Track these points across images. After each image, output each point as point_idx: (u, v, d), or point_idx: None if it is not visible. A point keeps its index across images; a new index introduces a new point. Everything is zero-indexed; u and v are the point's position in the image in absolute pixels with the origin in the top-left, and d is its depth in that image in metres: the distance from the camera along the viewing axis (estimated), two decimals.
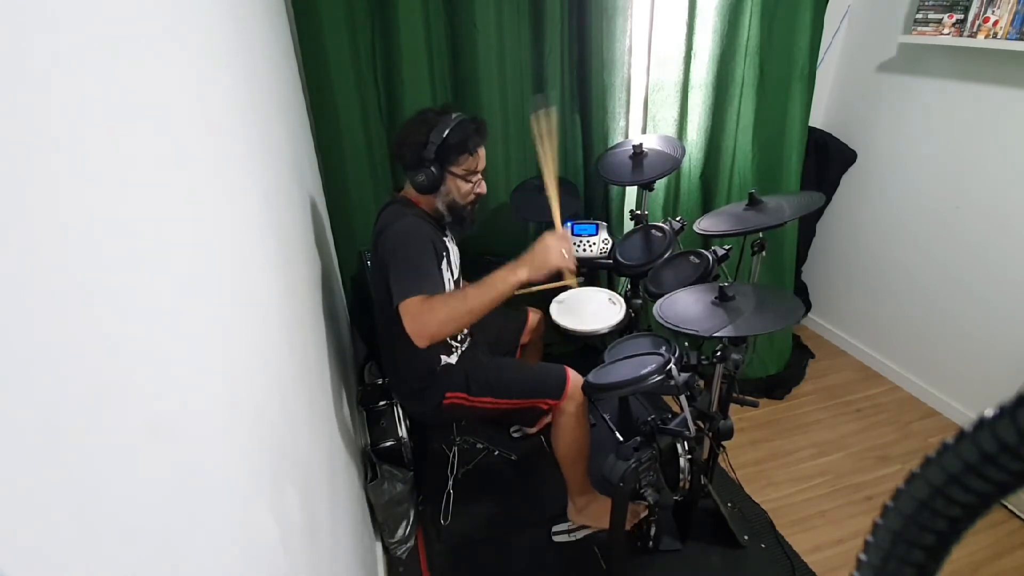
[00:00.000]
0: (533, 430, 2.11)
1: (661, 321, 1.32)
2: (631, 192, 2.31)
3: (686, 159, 2.14)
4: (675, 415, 1.43)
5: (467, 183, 1.44)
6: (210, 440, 0.54)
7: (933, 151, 2.17)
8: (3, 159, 0.30)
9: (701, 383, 1.58)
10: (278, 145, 1.21)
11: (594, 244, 2.04)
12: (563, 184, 2.09)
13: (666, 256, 1.74)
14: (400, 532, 1.67)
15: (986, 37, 1.83)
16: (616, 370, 1.45)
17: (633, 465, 1.32)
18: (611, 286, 2.38)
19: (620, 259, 1.88)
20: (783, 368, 2.47)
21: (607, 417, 1.91)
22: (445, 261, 1.42)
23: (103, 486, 0.35)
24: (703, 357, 1.44)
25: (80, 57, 0.41)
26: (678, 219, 1.83)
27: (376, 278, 1.47)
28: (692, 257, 1.67)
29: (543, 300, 1.76)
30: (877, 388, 2.44)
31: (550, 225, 2.16)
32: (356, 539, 1.34)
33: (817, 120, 2.52)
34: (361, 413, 1.85)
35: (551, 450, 1.65)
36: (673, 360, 1.33)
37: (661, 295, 1.45)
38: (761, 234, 1.55)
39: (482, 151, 1.44)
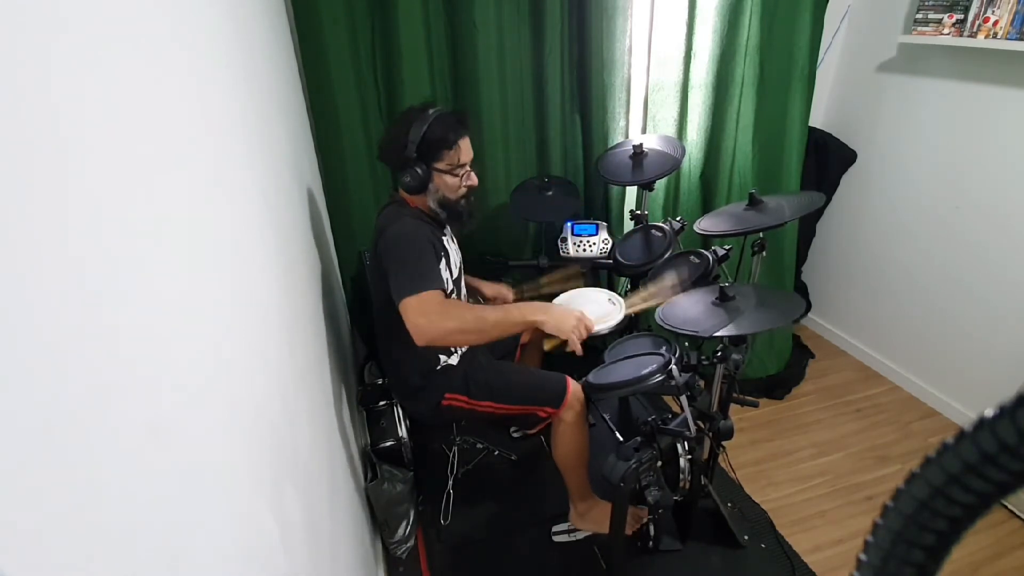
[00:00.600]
0: (533, 431, 2.11)
1: (661, 322, 1.32)
2: (631, 192, 2.31)
3: (686, 159, 2.14)
4: (675, 415, 1.43)
5: (454, 177, 1.42)
6: (210, 440, 0.54)
7: (933, 151, 2.17)
8: (5, 159, 0.30)
9: (701, 383, 1.58)
10: (278, 145, 1.20)
11: (594, 244, 2.04)
12: (563, 184, 2.09)
13: (666, 256, 1.74)
14: (400, 532, 1.67)
15: (986, 37, 1.83)
16: (616, 370, 1.45)
17: (633, 465, 1.32)
18: (611, 286, 2.38)
19: (620, 259, 1.88)
20: (783, 368, 2.47)
21: (607, 417, 1.91)
22: (444, 262, 1.42)
23: (103, 486, 0.35)
24: (703, 357, 1.44)
25: (81, 57, 0.41)
26: (678, 219, 1.83)
27: (376, 279, 1.47)
28: (692, 257, 1.67)
29: (543, 300, 1.76)
30: (877, 388, 2.44)
31: (551, 225, 2.18)
32: (356, 539, 1.34)
33: (817, 120, 2.52)
34: (361, 413, 1.85)
35: (551, 452, 1.65)
36: (673, 360, 1.33)
37: None
38: (761, 234, 1.55)
39: (465, 143, 1.41)
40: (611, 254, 1.95)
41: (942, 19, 1.96)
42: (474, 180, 1.47)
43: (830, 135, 2.48)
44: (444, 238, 1.50)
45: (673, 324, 1.31)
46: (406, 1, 1.73)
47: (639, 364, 1.41)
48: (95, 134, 0.41)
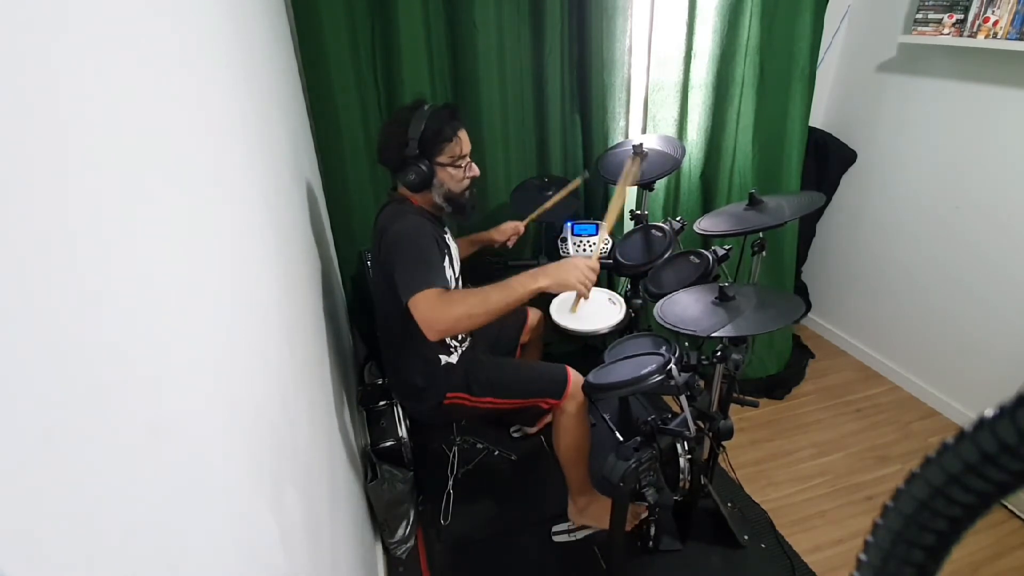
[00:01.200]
0: (533, 430, 2.11)
1: (662, 322, 1.32)
2: (631, 192, 2.31)
3: (686, 159, 2.14)
4: (675, 415, 1.43)
5: (457, 169, 1.43)
6: (210, 440, 0.54)
7: (933, 151, 2.17)
8: (5, 160, 0.30)
9: (701, 383, 1.58)
10: (278, 145, 1.20)
11: (594, 244, 2.04)
12: (563, 184, 2.09)
13: (666, 256, 1.74)
14: (400, 532, 1.67)
15: (986, 37, 1.83)
16: (616, 370, 1.45)
17: (633, 465, 1.32)
18: (611, 286, 2.38)
19: (620, 259, 1.88)
20: (783, 368, 2.47)
21: (607, 417, 1.91)
22: (447, 259, 1.42)
23: (103, 486, 0.35)
24: (703, 357, 1.44)
25: (80, 57, 0.41)
26: (678, 219, 1.83)
27: (378, 278, 1.46)
28: (692, 257, 1.67)
29: (543, 300, 1.76)
30: (877, 388, 2.44)
31: (551, 225, 2.18)
32: (356, 539, 1.35)
33: (817, 120, 2.52)
34: (361, 413, 1.85)
35: (551, 450, 1.65)
36: (673, 360, 1.33)
37: (661, 295, 1.45)
38: (761, 234, 1.55)
39: (463, 134, 1.42)
40: (611, 254, 1.95)
41: (942, 19, 1.96)
42: (476, 171, 1.48)
43: (830, 135, 2.48)
44: (446, 236, 1.51)
45: (673, 324, 1.31)
46: (406, 1, 1.73)
47: (639, 364, 1.41)
48: (95, 134, 0.41)
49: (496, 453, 2.04)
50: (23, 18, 0.34)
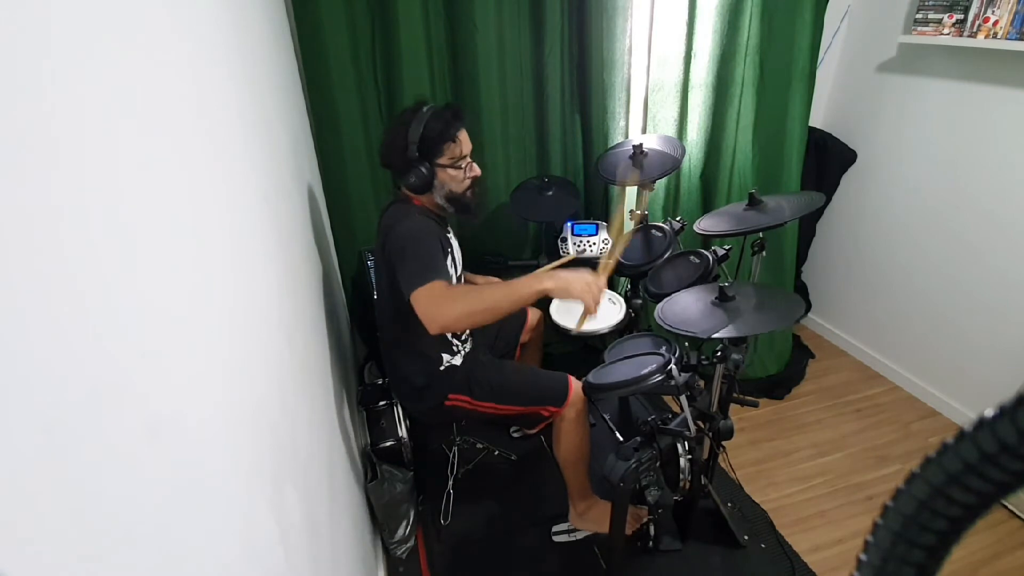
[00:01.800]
0: (533, 430, 2.11)
1: (662, 323, 1.32)
2: (631, 192, 2.31)
3: (686, 159, 2.14)
4: (675, 415, 1.43)
5: (457, 170, 1.43)
6: (210, 440, 0.54)
7: (933, 151, 2.17)
8: (5, 159, 0.30)
9: (701, 383, 1.58)
10: (278, 145, 1.21)
11: (594, 244, 2.04)
12: (563, 184, 2.09)
13: (666, 256, 1.74)
14: (400, 532, 1.67)
15: (986, 37, 1.83)
16: (616, 370, 1.45)
17: (633, 465, 1.32)
18: (611, 286, 2.38)
19: (620, 259, 1.88)
20: (783, 368, 2.47)
21: (607, 417, 1.91)
22: (450, 258, 1.43)
23: (103, 486, 0.35)
24: (703, 357, 1.44)
25: (79, 57, 0.41)
26: (678, 219, 1.83)
27: (380, 277, 1.46)
28: (692, 257, 1.67)
29: (543, 300, 1.76)
30: (877, 388, 2.44)
31: (551, 225, 2.18)
32: (356, 539, 1.35)
33: (817, 120, 2.52)
34: (361, 413, 1.85)
35: (551, 450, 1.65)
36: (673, 360, 1.33)
37: (661, 295, 1.45)
38: (761, 234, 1.55)
39: (463, 135, 1.42)
40: None
41: (942, 19, 1.96)
42: (477, 171, 1.48)
43: (830, 135, 2.48)
44: (449, 235, 1.51)
45: (673, 324, 1.31)
46: (406, 1, 1.73)
47: (639, 364, 1.41)
48: (93, 134, 0.41)
49: (496, 453, 2.04)
50: (19, 11, 0.34)
